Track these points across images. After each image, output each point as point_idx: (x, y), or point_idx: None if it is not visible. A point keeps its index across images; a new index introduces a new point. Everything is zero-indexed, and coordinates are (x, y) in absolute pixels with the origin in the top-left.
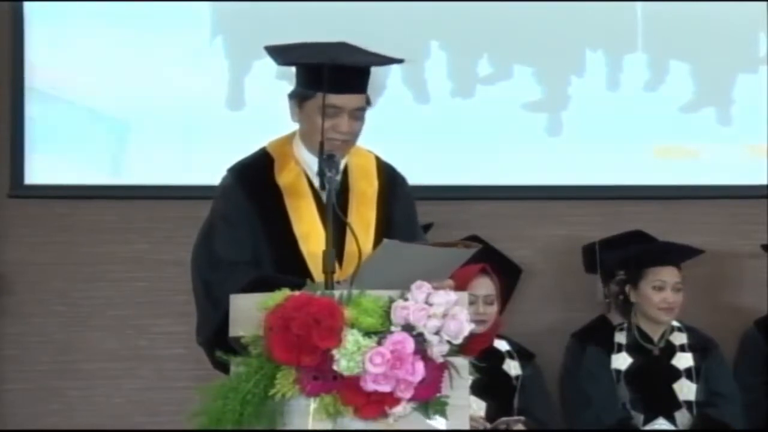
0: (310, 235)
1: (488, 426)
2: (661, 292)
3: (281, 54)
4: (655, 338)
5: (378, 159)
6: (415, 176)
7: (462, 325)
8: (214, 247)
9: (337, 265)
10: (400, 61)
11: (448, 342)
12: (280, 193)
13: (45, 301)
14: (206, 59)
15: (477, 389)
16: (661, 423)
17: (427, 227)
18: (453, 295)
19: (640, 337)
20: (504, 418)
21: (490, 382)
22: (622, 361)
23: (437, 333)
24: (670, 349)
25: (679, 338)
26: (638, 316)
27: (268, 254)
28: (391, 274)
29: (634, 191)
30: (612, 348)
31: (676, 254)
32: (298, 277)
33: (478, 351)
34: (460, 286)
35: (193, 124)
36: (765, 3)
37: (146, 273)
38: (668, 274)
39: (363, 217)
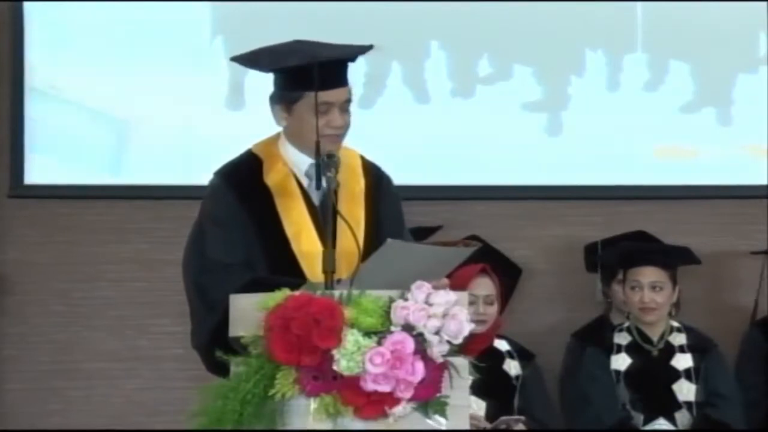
0: (301, 234)
1: (488, 426)
2: (638, 292)
3: (258, 61)
4: (654, 339)
5: (362, 158)
6: (415, 176)
7: (462, 325)
8: (205, 250)
9: None
10: (369, 47)
11: (448, 342)
12: (270, 194)
13: (45, 301)
14: (206, 59)
15: (477, 389)
16: (661, 423)
17: (434, 229)
18: (453, 295)
19: (639, 337)
20: (504, 418)
21: (490, 382)
22: (621, 361)
23: (437, 333)
24: (670, 350)
25: (679, 339)
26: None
27: (260, 255)
28: (391, 273)
29: (634, 191)
30: (611, 348)
31: (654, 255)
32: (291, 276)
33: (478, 351)
34: (460, 286)
35: (193, 124)
36: (765, 3)
37: (146, 273)
38: (643, 274)
39: (352, 216)
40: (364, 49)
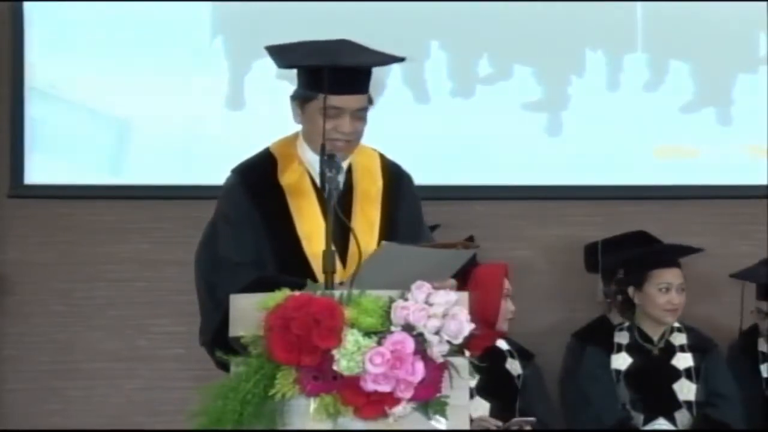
0: (313, 235)
1: (499, 424)
2: (667, 293)
3: (281, 55)
4: (655, 338)
5: (382, 157)
6: (415, 176)
7: (462, 325)
8: (217, 248)
9: (340, 266)
10: (401, 59)
11: (448, 342)
12: (284, 194)
13: (45, 301)
14: (206, 59)
15: (481, 390)
16: (660, 423)
17: (432, 228)
18: (453, 295)
19: (640, 337)
20: (516, 419)
21: (494, 382)
22: (621, 361)
23: (437, 333)
24: (670, 350)
25: (679, 338)
26: (640, 316)
27: (272, 255)
28: (391, 275)
29: (634, 191)
30: (612, 348)
31: (680, 255)
32: (301, 277)
33: (482, 348)
34: (492, 284)
35: (193, 124)
36: (765, 3)
37: (146, 273)
38: (673, 276)
39: (367, 217)
40: (387, 61)
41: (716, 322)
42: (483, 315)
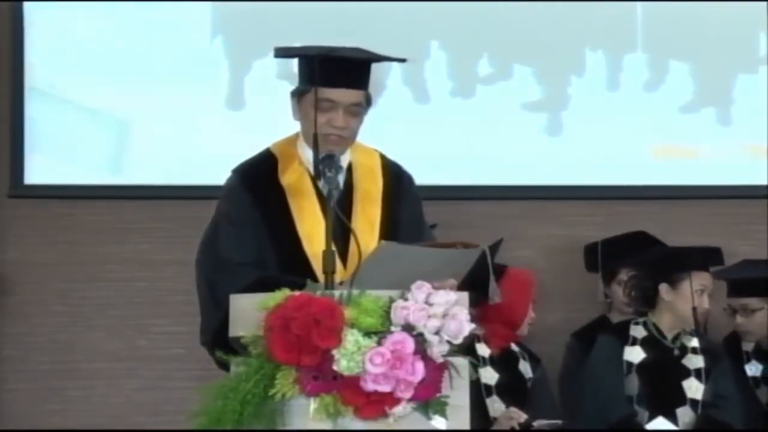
0: (314, 235)
1: (525, 416)
2: (701, 296)
3: (284, 50)
4: (669, 337)
5: (383, 157)
6: (415, 176)
7: (462, 325)
8: (218, 248)
9: (341, 266)
10: (400, 60)
11: (448, 342)
12: (284, 193)
13: (45, 301)
14: (206, 59)
15: (499, 390)
16: (660, 422)
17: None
18: (453, 295)
19: (656, 332)
20: (546, 422)
21: (509, 383)
22: (636, 354)
23: (437, 333)
24: (682, 350)
25: (691, 341)
26: (661, 314)
27: (272, 255)
28: (390, 274)
29: (634, 191)
30: (627, 340)
31: (718, 260)
32: (302, 277)
33: (500, 346)
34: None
35: (193, 124)
36: (765, 3)
37: (146, 273)
38: (709, 280)
39: (368, 217)
40: (382, 58)
41: (717, 322)
42: (510, 316)
